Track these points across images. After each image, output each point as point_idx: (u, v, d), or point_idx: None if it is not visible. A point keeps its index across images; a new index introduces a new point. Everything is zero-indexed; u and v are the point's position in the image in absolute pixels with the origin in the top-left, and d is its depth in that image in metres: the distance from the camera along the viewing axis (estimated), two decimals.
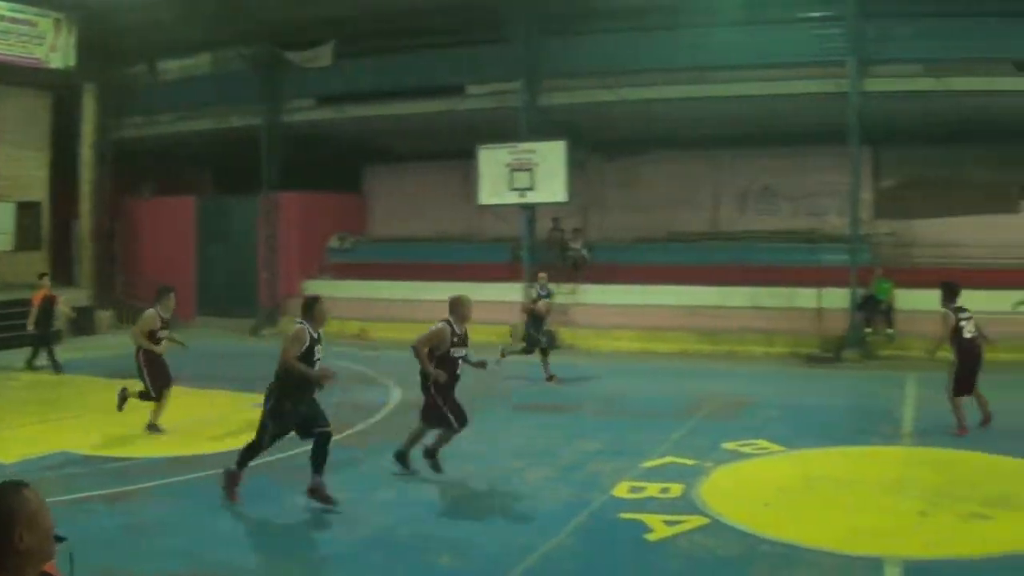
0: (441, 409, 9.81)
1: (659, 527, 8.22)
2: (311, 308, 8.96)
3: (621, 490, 9.44)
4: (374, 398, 15.10)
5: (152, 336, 12.27)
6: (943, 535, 8.23)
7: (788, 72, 20.81)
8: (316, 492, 8.79)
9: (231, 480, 9.01)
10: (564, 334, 21.96)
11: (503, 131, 22.31)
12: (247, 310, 26.33)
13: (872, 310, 20.47)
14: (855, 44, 19.96)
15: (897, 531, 8.34)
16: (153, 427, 12.43)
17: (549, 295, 17.37)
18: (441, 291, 24.49)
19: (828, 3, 20.75)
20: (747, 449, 11.30)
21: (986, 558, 7.64)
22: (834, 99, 20.12)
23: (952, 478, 10.05)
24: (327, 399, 9.27)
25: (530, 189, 21.92)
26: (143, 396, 12.48)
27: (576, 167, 22.57)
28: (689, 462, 10.39)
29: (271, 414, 8.92)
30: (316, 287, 24.36)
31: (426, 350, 9.63)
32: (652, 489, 9.42)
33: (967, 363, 12.02)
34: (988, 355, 12.39)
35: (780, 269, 21.42)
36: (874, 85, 20.26)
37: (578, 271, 23.77)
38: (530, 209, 22.96)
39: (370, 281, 25.53)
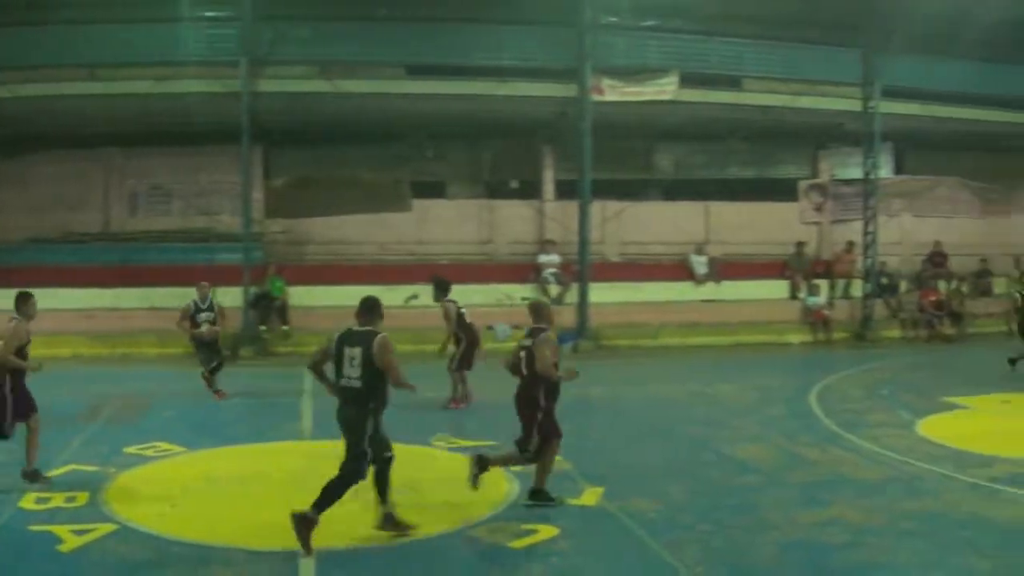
0: (553, 420, 10.18)
1: (69, 537, 8.66)
2: (375, 308, 9.11)
3: (27, 502, 9.84)
4: None
5: (20, 353, 11.08)
6: (353, 524, 9.15)
7: (182, 71, 22.63)
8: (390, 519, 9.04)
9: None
10: None
11: None
12: None
13: (266, 307, 23.04)
14: (248, 45, 22.37)
15: None
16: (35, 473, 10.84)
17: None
18: None
19: (222, 3, 22.92)
20: (149, 452, 12.26)
21: (398, 544, 8.78)
22: (227, 99, 22.42)
23: None
24: None
25: None
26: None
27: None
28: (92, 468, 11.16)
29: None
30: None
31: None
32: (58, 499, 9.89)
33: (472, 343, 15.98)
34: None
35: (174, 269, 22.96)
36: (267, 86, 22.89)
37: None
38: None
39: None
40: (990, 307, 28.17)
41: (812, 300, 26.67)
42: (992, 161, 30.79)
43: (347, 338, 8.94)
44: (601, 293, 24.47)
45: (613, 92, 24.47)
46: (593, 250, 25.11)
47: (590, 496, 10.31)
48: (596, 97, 24.16)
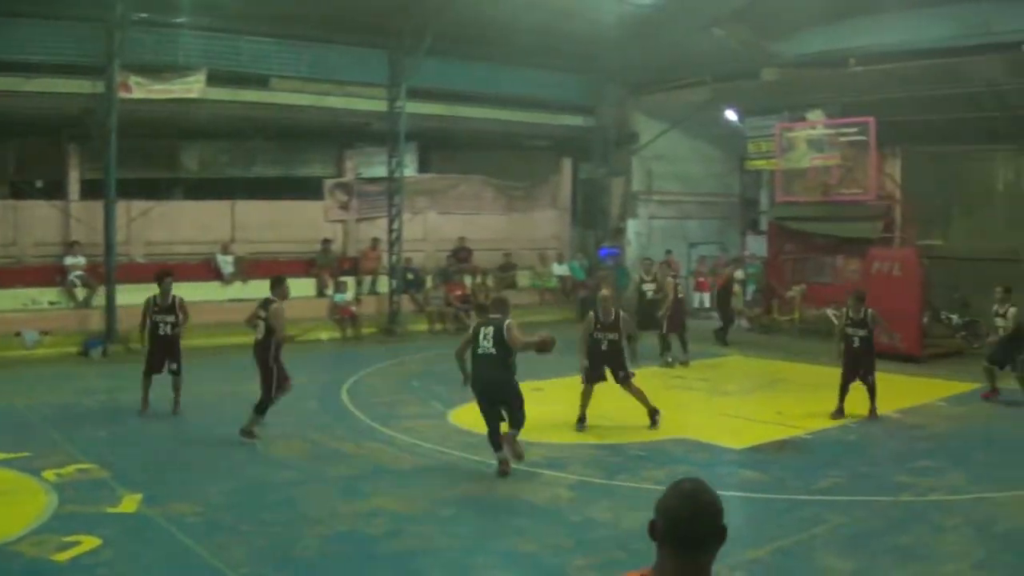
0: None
1: None
2: (505, 303, 15.14)
3: None
4: None
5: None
6: None
7: None
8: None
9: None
10: None
11: None
12: None
13: None
14: None
15: None
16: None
17: None
18: None
19: None
20: None
21: None
22: None
23: None
24: None
25: None
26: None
27: None
28: None
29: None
30: None
31: None
32: None
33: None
34: None
35: None
36: None
37: None
38: None
39: None
40: (516, 299, 33.53)
41: (339, 297, 30.41)
42: (515, 160, 36.82)
43: (483, 324, 14.35)
44: (129, 295, 25.45)
45: (140, 90, 26.76)
46: (120, 251, 27.55)
47: (129, 503, 11.24)
48: (123, 95, 26.32)
